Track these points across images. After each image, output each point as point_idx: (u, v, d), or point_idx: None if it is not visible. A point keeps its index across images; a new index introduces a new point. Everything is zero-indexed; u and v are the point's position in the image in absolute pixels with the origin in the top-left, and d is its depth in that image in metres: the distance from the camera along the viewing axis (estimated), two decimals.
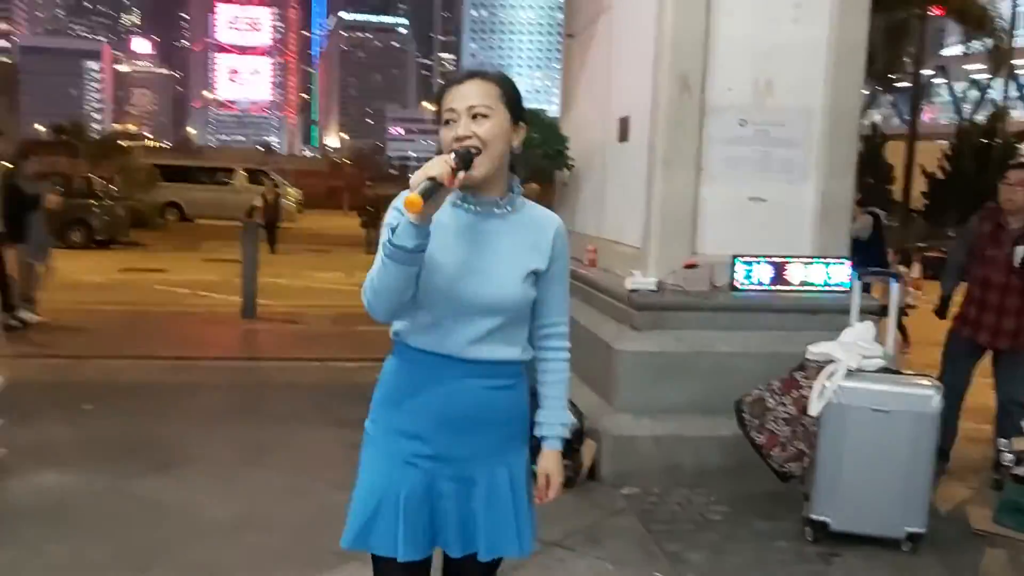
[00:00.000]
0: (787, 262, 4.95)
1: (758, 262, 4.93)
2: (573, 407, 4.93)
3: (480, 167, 1.93)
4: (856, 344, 4.07)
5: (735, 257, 4.91)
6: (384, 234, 1.90)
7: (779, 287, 4.94)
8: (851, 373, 3.97)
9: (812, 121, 5.10)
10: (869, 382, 3.96)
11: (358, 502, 2.03)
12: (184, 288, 12.92)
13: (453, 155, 1.87)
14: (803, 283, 4.96)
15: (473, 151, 1.90)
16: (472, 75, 2.00)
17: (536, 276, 2.04)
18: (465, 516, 2.02)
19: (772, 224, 5.08)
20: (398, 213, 1.89)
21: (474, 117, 1.94)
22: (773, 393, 4.16)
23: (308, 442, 5.34)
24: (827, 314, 4.86)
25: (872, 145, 29.73)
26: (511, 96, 2.00)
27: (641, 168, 5.24)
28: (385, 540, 1.97)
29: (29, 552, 3.66)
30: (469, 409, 2.01)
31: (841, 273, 4.94)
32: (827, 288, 4.96)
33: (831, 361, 4.04)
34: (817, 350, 4.12)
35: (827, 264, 4.96)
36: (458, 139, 1.93)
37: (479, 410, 2.02)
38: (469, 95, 1.96)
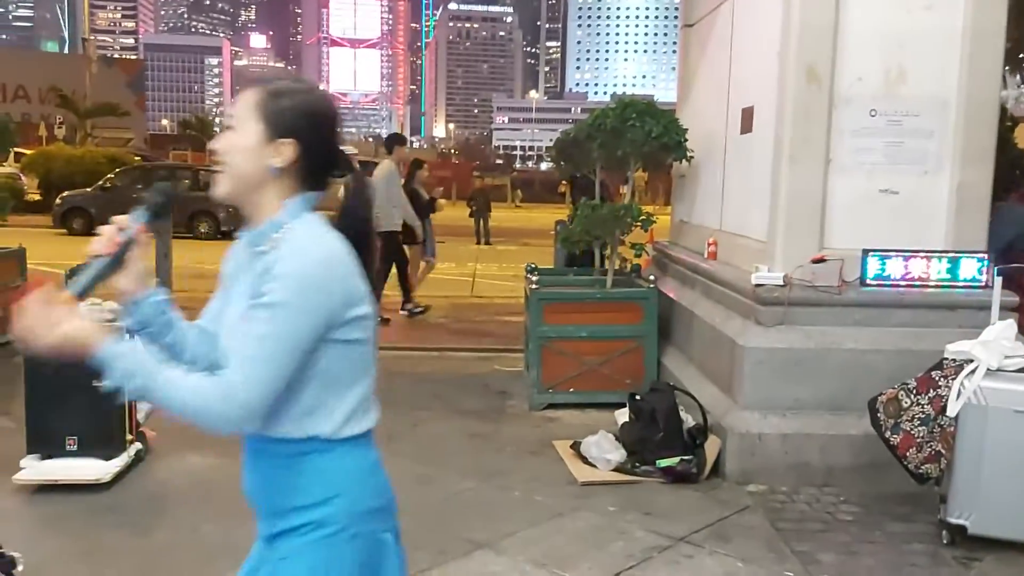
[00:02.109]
0: (921, 256, 4.79)
1: (890, 256, 4.79)
2: (696, 403, 4.93)
3: (219, 186, 1.71)
4: (997, 343, 3.92)
5: (866, 251, 4.79)
6: None
7: (912, 282, 4.79)
8: (991, 373, 3.84)
9: (947, 110, 4.91)
10: (1011, 382, 3.81)
11: None
12: None
13: (142, 209, 1.68)
14: (937, 278, 4.79)
15: (159, 200, 1.70)
16: (252, 86, 1.77)
17: None
18: None
19: (905, 217, 4.92)
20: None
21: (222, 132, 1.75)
22: (909, 392, 4.05)
23: (431, 431, 5.49)
24: (963, 310, 4.70)
25: (1001, 129, 28.30)
26: (270, 108, 1.68)
27: (766, 160, 5.15)
28: None
29: (185, 532, 3.91)
30: (247, 485, 1.77)
31: (978, 268, 4.76)
32: (963, 284, 4.78)
33: (970, 360, 3.91)
34: (956, 348, 3.99)
35: (963, 258, 4.78)
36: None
37: (251, 488, 1.77)
38: (230, 106, 1.75)
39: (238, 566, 3.50)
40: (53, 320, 1.54)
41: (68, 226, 19.55)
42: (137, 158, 30.37)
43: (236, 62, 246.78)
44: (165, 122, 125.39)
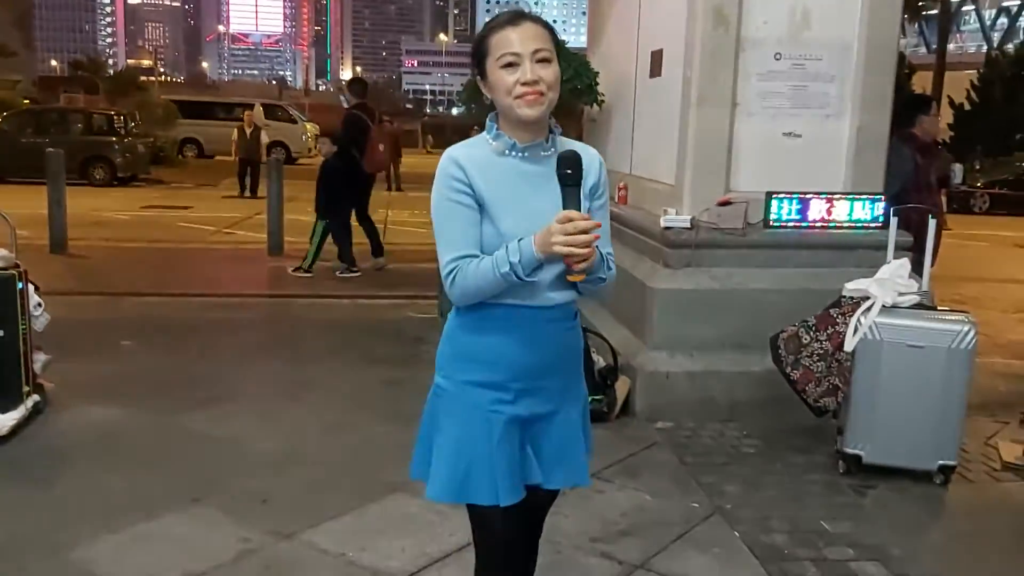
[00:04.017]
0: (822, 198, 4.93)
1: (792, 198, 4.92)
2: (607, 344, 5.01)
3: (540, 109, 1.96)
4: (892, 281, 4.09)
5: (769, 194, 4.90)
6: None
7: (813, 224, 4.94)
8: (886, 309, 4.00)
9: (848, 54, 5.03)
10: (904, 318, 3.98)
11: (447, 457, 2.06)
12: (209, 225, 13.01)
13: (561, 180, 1.88)
14: (838, 220, 4.95)
15: (576, 170, 1.89)
16: (524, 16, 1.99)
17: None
18: (541, 450, 2.10)
19: (807, 160, 5.05)
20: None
21: (539, 61, 1.94)
22: (808, 329, 4.20)
23: (345, 378, 5.44)
24: (861, 250, 4.87)
25: (899, 76, 29.27)
26: (557, 41, 2.02)
27: (674, 103, 5.20)
28: (485, 491, 2.02)
29: (87, 482, 3.80)
30: (547, 355, 2.06)
31: (876, 209, 4.93)
32: (862, 224, 4.95)
33: (867, 298, 4.07)
34: (853, 287, 4.15)
35: (862, 200, 4.94)
36: (526, 83, 1.93)
37: (555, 354, 2.08)
38: (531, 39, 1.95)
39: (147, 516, 3.46)
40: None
41: None
42: (26, 101, 28.86)
43: (129, 1, 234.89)
44: (55, 63, 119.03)
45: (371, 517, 3.55)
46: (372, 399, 5.05)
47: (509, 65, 1.94)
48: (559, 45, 2.03)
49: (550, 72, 1.95)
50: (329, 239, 8.96)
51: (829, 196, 4.94)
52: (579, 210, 1.86)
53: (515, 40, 1.94)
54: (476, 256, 1.96)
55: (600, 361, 5.00)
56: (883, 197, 4.97)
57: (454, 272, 1.96)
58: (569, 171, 1.88)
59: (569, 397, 2.15)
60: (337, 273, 8.86)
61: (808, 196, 4.92)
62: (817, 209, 4.92)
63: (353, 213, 9.17)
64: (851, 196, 4.96)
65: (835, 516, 3.70)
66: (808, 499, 3.88)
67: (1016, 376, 6.05)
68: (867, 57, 4.99)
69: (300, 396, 5.09)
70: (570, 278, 1.90)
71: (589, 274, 1.94)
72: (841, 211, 4.94)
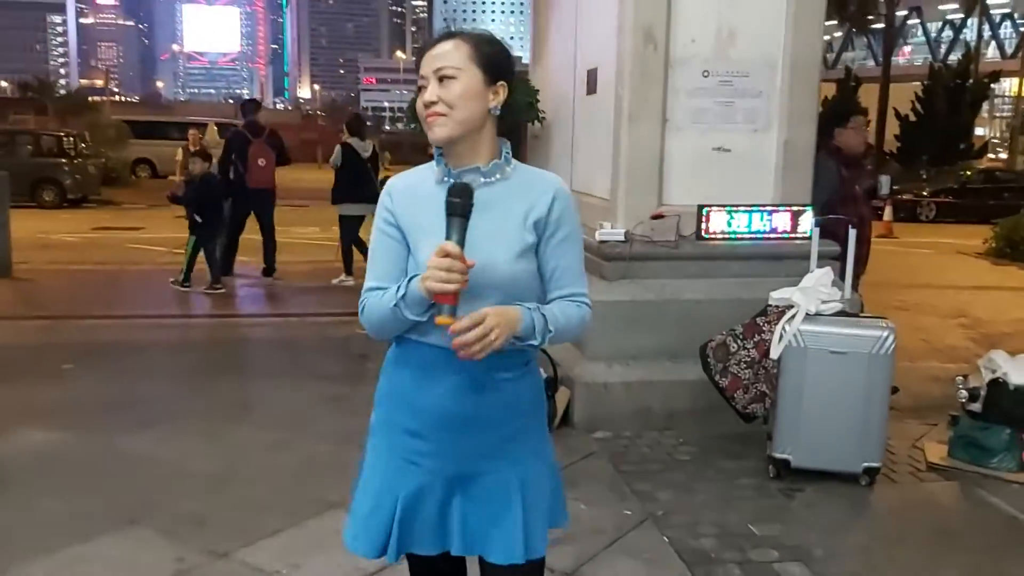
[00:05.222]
0: (751, 210, 5.07)
1: (723, 211, 5.05)
2: (547, 357, 5.09)
3: (442, 130, 1.83)
4: (815, 289, 4.23)
5: (701, 207, 5.03)
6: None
7: (743, 235, 5.07)
8: (810, 317, 4.13)
9: (774, 71, 5.19)
10: (827, 325, 4.12)
11: (358, 499, 1.97)
12: (160, 247, 12.90)
13: (447, 208, 1.76)
14: (766, 231, 5.09)
15: (466, 202, 1.76)
16: (445, 36, 1.87)
17: (536, 246, 1.88)
18: (467, 517, 1.91)
19: (736, 173, 5.19)
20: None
21: (441, 80, 1.83)
22: (736, 338, 4.32)
23: (288, 397, 5.47)
24: (790, 260, 5.01)
25: (846, 88, 29.98)
26: (485, 54, 1.85)
27: (609, 120, 5.32)
28: (377, 541, 1.90)
29: (23, 507, 3.79)
30: (469, 405, 1.88)
31: (803, 220, 5.08)
32: (789, 235, 5.09)
33: (791, 306, 4.20)
34: (778, 295, 4.28)
35: (789, 211, 5.09)
36: (425, 104, 1.84)
37: (481, 405, 1.89)
38: (437, 57, 1.84)
39: (83, 538, 3.47)
40: (507, 317, 1.76)
41: None
42: None
43: (82, 20, 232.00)
44: (5, 84, 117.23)
45: (307, 534, 3.59)
46: (314, 417, 5.08)
47: (420, 89, 1.87)
48: (489, 57, 1.86)
49: (449, 90, 1.82)
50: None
51: (758, 208, 5.08)
52: (461, 244, 1.73)
53: (424, 63, 1.86)
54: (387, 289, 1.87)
55: (541, 373, 5.07)
56: (811, 208, 5.12)
57: (363, 303, 1.90)
58: (457, 199, 1.76)
59: (506, 463, 1.92)
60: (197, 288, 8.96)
61: (738, 208, 5.05)
62: (746, 221, 5.06)
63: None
64: (779, 208, 5.10)
65: (763, 519, 3.81)
66: (738, 503, 3.98)
67: (950, 380, 6.23)
68: (792, 73, 5.15)
69: (243, 415, 5.10)
70: (438, 320, 1.74)
71: (519, 339, 1.81)
72: (769, 222, 5.07)
